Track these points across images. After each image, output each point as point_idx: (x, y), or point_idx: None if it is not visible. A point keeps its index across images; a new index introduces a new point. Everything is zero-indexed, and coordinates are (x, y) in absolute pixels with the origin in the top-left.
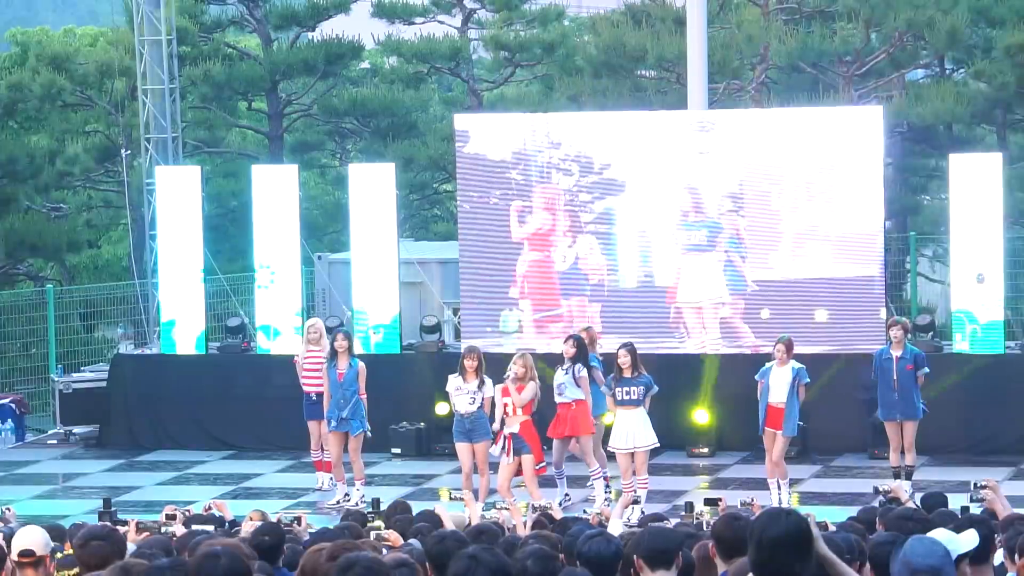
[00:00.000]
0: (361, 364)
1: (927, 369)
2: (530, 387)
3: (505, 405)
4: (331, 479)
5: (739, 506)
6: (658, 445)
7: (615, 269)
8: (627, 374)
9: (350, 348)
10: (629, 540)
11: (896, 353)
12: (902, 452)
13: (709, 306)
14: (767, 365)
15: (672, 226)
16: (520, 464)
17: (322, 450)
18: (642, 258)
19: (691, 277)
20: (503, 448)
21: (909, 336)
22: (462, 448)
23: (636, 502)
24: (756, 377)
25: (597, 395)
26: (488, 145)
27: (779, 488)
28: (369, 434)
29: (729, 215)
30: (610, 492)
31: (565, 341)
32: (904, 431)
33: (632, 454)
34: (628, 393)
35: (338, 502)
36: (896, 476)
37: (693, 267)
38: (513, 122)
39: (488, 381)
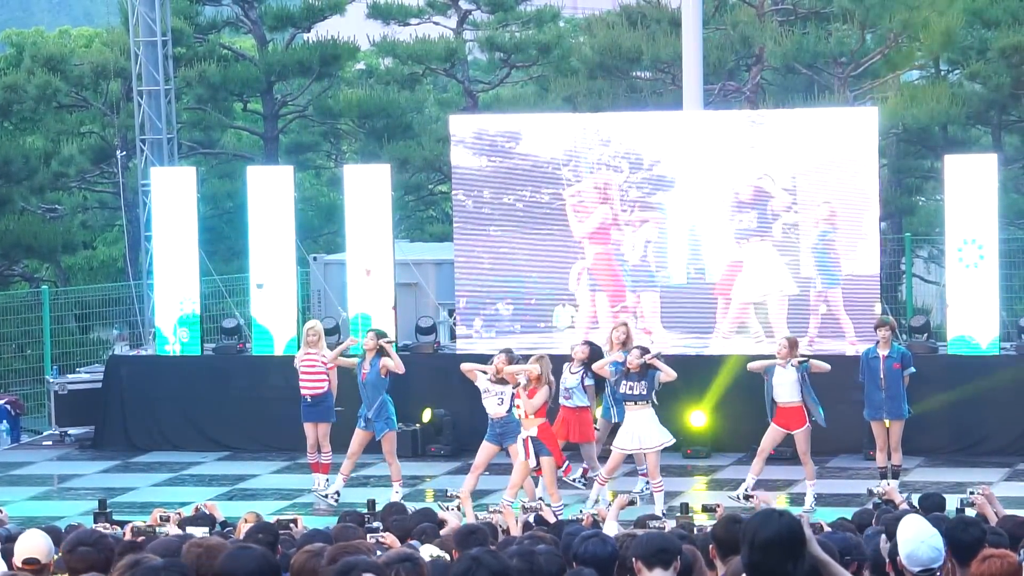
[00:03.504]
0: (383, 360)
1: (913, 369)
2: (542, 393)
3: (517, 407)
4: (326, 479)
5: (750, 492)
6: (672, 442)
7: (664, 265)
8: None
9: (376, 348)
10: (624, 542)
11: (883, 352)
12: (889, 453)
13: (775, 300)
14: (771, 364)
15: (725, 221)
16: (540, 466)
17: (318, 452)
18: (692, 254)
19: (751, 271)
20: (525, 450)
21: (904, 337)
22: (488, 448)
23: (632, 503)
24: (763, 373)
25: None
26: (538, 145)
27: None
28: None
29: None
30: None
31: (583, 343)
32: (891, 431)
33: (635, 455)
34: (631, 388)
35: (327, 495)
36: (883, 476)
37: (753, 261)
38: (565, 122)
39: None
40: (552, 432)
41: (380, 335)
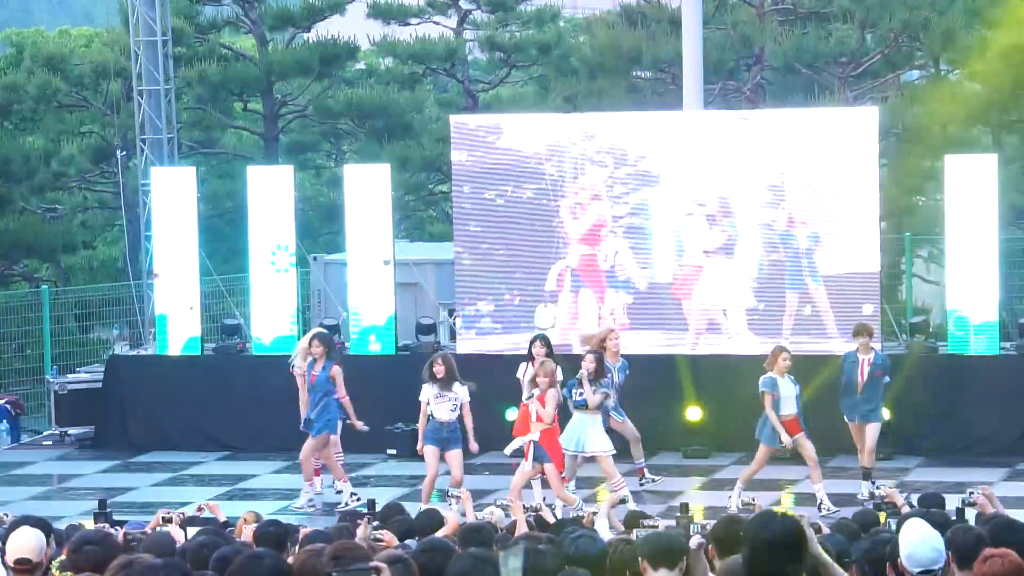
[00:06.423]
0: (334, 367)
1: (888, 379)
2: (551, 396)
3: (529, 415)
4: (318, 483)
5: (740, 507)
6: (612, 452)
7: (649, 264)
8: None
9: (327, 352)
10: (618, 546)
11: (864, 356)
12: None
13: (735, 309)
14: (770, 375)
15: (701, 223)
16: (542, 472)
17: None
18: (677, 253)
19: (714, 278)
20: (523, 453)
21: (904, 336)
22: (431, 451)
23: (623, 501)
24: (763, 388)
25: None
26: (520, 140)
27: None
28: (366, 428)
29: (768, 209)
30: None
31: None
32: (866, 433)
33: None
34: (582, 395)
35: (346, 503)
36: (865, 477)
37: (718, 268)
38: (549, 122)
39: (463, 387)
40: (555, 438)
41: (324, 341)
